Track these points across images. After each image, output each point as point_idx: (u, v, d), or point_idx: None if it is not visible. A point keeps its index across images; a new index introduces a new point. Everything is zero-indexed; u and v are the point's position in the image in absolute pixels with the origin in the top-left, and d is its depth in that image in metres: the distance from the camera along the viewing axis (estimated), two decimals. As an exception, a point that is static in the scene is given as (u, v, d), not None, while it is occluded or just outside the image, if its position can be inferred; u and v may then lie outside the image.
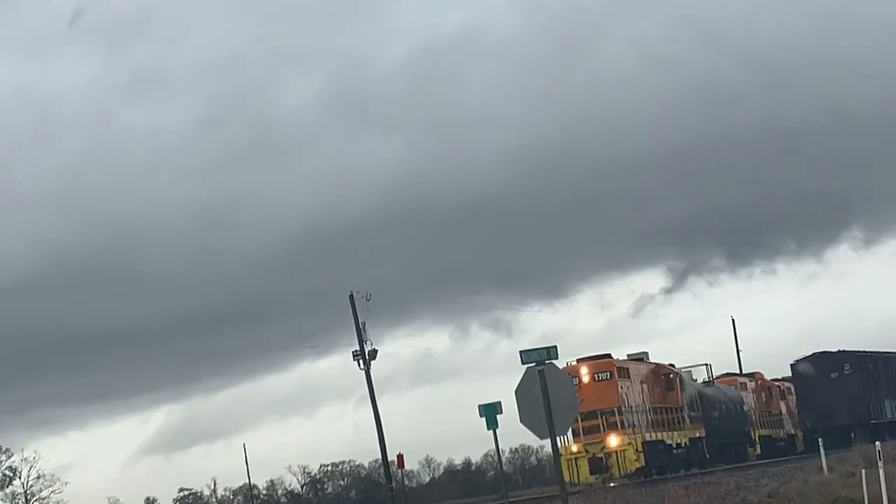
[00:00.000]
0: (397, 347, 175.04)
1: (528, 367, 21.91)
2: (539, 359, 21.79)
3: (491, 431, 35.98)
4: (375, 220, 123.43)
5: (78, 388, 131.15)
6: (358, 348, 68.89)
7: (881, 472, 32.79)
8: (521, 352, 22.21)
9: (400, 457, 69.46)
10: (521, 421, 21.98)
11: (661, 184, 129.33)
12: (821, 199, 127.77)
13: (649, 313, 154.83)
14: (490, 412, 43.48)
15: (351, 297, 69.23)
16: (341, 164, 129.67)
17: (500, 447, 43.91)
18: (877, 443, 35.69)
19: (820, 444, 49.32)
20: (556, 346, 22.40)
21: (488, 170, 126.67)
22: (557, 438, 56.01)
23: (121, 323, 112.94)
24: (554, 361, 22.13)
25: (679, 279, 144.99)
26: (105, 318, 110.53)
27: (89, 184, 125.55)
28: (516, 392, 22.05)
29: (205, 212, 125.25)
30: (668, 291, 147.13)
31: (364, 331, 68.82)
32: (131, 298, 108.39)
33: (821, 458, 47.13)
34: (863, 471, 35.23)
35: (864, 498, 33.43)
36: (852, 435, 65.59)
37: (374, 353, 68.72)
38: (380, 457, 72.00)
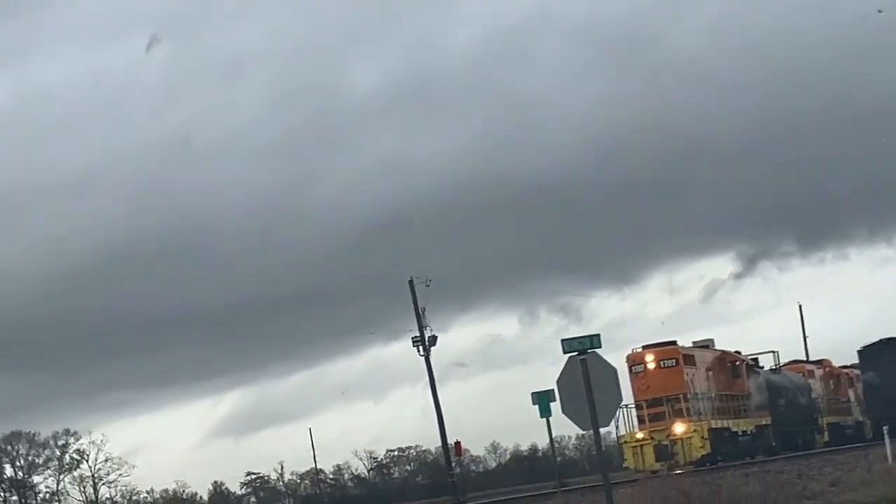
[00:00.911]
0: (466, 333, 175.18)
1: (570, 357, 20.94)
2: (581, 347, 20.79)
3: (545, 419, 35.50)
4: (445, 204, 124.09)
5: (150, 372, 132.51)
6: (418, 334, 69.03)
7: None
8: (562, 340, 21.32)
9: (457, 444, 69.58)
10: (562, 411, 21.14)
11: (733, 169, 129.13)
12: (893, 183, 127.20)
13: (718, 299, 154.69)
14: (543, 400, 42.71)
15: (411, 282, 69.30)
16: (411, 148, 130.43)
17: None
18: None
19: (885, 432, 49.22)
20: (598, 335, 21.34)
21: (559, 154, 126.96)
22: (611, 427, 55.48)
23: (192, 307, 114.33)
24: (597, 350, 20.96)
25: (749, 264, 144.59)
26: (176, 301, 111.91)
27: (162, 167, 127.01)
28: (558, 382, 21.18)
29: (275, 196, 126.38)
30: (738, 277, 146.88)
31: (424, 316, 69.00)
32: (203, 282, 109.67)
33: (886, 447, 47.00)
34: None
35: (929, 486, 33.53)
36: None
37: (433, 339, 68.75)
38: (459, 440, 72.18)
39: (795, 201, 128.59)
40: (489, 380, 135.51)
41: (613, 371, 20.41)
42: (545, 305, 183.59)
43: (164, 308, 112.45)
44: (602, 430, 21.62)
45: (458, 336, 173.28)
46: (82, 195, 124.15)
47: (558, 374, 20.69)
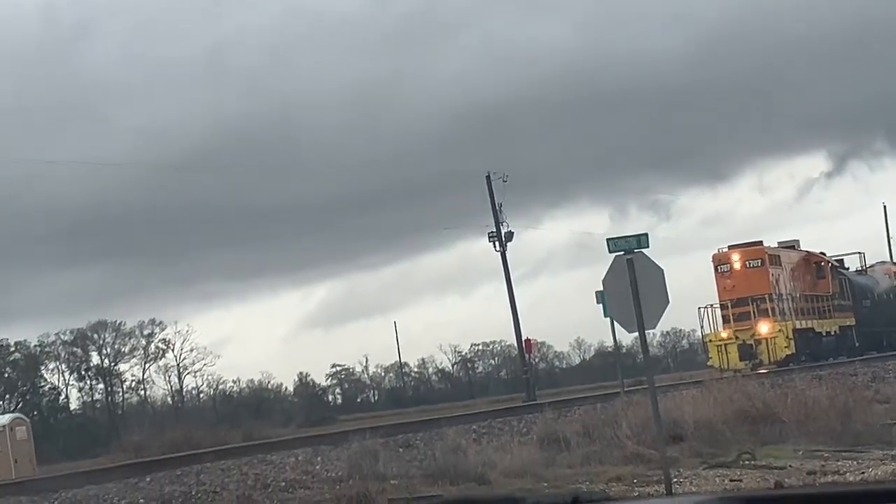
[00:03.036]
0: (556, 228, 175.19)
1: (616, 256, 20.40)
2: (628, 247, 20.31)
3: (608, 319, 35.52)
4: (538, 101, 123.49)
5: (240, 264, 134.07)
6: (494, 230, 69.06)
7: None
8: (608, 240, 20.89)
9: (528, 341, 69.98)
10: (608, 313, 20.74)
11: (825, 68, 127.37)
12: None
13: (809, 198, 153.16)
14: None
15: (488, 178, 69.11)
16: (507, 44, 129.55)
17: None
18: None
19: None
20: (646, 234, 20.84)
21: (653, 51, 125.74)
22: (704, 325, 55.43)
23: (283, 200, 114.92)
24: (644, 250, 20.39)
25: (840, 163, 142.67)
26: (269, 194, 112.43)
27: (255, 61, 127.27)
28: (604, 282, 20.74)
29: (368, 90, 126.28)
30: (829, 175, 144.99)
31: (501, 212, 68.98)
32: (295, 175, 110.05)
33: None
34: None
35: None
36: None
37: (510, 235, 68.79)
38: (532, 337, 72.58)
39: (889, 99, 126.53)
40: (578, 276, 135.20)
41: (661, 272, 20.00)
42: (636, 202, 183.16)
43: (256, 201, 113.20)
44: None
45: (547, 232, 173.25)
46: (181, 88, 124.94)
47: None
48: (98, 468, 32.84)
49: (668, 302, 19.79)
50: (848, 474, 25.36)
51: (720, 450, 28.06)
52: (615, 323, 27.43)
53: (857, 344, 67.25)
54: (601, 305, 36.25)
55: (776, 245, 65.57)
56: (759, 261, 61.48)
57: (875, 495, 3.59)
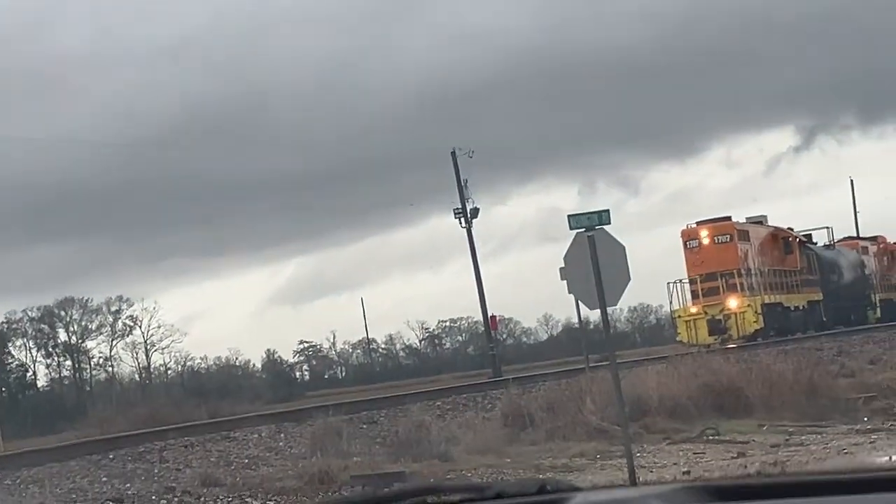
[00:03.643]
0: (525, 204, 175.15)
1: (577, 233, 20.10)
2: (589, 224, 20.01)
3: (573, 296, 35.35)
4: (508, 77, 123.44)
5: (209, 241, 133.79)
6: (460, 206, 68.88)
7: None
8: (569, 216, 20.54)
9: (493, 318, 70.14)
10: (569, 291, 20.51)
11: (794, 43, 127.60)
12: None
13: (777, 173, 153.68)
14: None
15: (453, 153, 68.89)
16: (476, 20, 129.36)
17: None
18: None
19: None
20: (608, 211, 20.58)
21: (622, 27, 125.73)
22: (673, 300, 55.35)
23: (254, 176, 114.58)
24: (606, 227, 20.15)
25: (808, 137, 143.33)
26: (238, 171, 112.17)
27: (224, 39, 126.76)
28: (565, 259, 20.55)
29: (337, 67, 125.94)
30: (797, 150, 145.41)
31: (466, 188, 68.77)
32: (265, 152, 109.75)
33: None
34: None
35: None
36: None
37: (475, 212, 68.67)
38: (499, 313, 72.61)
39: (857, 74, 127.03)
40: (546, 252, 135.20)
41: (622, 249, 19.77)
42: (604, 178, 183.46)
43: (224, 178, 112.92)
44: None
45: (516, 208, 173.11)
46: (150, 65, 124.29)
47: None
48: (62, 445, 32.60)
49: (629, 279, 19.65)
50: (812, 446, 25.41)
51: (685, 425, 28.09)
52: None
53: (824, 319, 67.50)
54: (566, 282, 36.14)
55: (744, 220, 65.70)
56: (728, 236, 61.67)
57: (839, 484, 3.48)
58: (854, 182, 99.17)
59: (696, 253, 61.17)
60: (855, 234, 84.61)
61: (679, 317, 61.62)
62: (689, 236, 61.98)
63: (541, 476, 20.01)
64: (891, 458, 22.95)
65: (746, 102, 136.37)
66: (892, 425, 28.70)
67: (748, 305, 60.57)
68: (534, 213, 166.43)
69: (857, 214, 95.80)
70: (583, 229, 20.07)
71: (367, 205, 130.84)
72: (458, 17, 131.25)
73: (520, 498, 3.83)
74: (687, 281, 61.44)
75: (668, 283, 61.72)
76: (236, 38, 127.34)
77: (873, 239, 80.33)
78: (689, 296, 61.61)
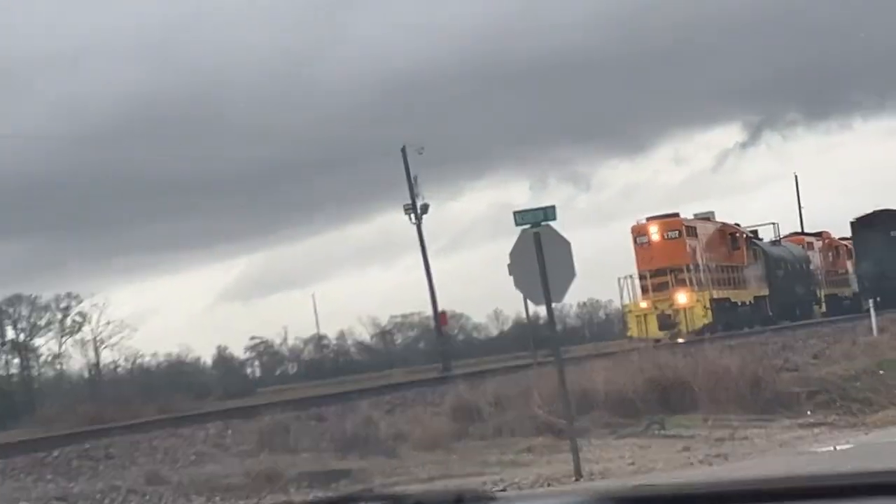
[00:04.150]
0: (477, 199, 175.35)
1: (522, 230, 20.32)
2: (535, 220, 20.20)
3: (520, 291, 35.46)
4: (462, 73, 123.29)
5: (160, 237, 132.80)
6: (410, 202, 68.92)
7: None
8: (514, 213, 20.77)
9: (443, 314, 70.51)
10: (516, 286, 20.68)
11: (741, 39, 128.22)
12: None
13: (725, 168, 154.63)
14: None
15: (403, 150, 68.82)
16: (427, 14, 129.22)
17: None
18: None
19: (871, 304, 49.29)
20: (553, 207, 20.75)
21: (571, 22, 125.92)
22: (623, 295, 55.54)
23: (206, 172, 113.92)
24: (551, 223, 20.26)
25: (754, 133, 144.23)
26: (191, 166, 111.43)
27: (173, 32, 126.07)
28: (510, 255, 20.72)
29: (289, 61, 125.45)
30: (743, 146, 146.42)
31: (416, 184, 68.90)
32: (217, 148, 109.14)
33: (871, 320, 46.85)
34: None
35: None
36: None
37: (425, 208, 68.81)
38: (450, 309, 72.85)
39: (803, 70, 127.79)
40: (497, 247, 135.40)
41: (567, 245, 19.88)
42: (556, 174, 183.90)
43: (177, 174, 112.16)
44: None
45: (469, 204, 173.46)
46: (96, 58, 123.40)
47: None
48: (7, 443, 32.47)
49: (574, 275, 19.76)
50: (756, 440, 25.62)
51: (631, 419, 28.25)
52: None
53: (770, 313, 68.04)
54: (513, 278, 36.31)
55: (692, 217, 66.22)
56: (677, 232, 62.22)
57: (775, 494, 3.56)
58: (799, 178, 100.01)
59: (646, 249, 61.65)
60: (800, 230, 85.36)
61: (629, 312, 62.06)
62: (638, 232, 62.43)
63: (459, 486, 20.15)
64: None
65: (694, 99, 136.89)
66: (834, 419, 29.02)
67: (697, 300, 61.08)
68: (486, 208, 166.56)
69: (802, 210, 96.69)
70: (528, 225, 20.14)
71: (320, 200, 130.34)
72: (412, 10, 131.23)
73: None
74: (637, 276, 61.86)
75: (619, 279, 62.21)
76: (186, 31, 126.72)
77: (818, 235, 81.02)
78: (639, 291, 62.05)
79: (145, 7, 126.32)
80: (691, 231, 63.38)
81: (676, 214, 64.21)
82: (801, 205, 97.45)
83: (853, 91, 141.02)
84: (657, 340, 55.22)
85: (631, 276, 61.96)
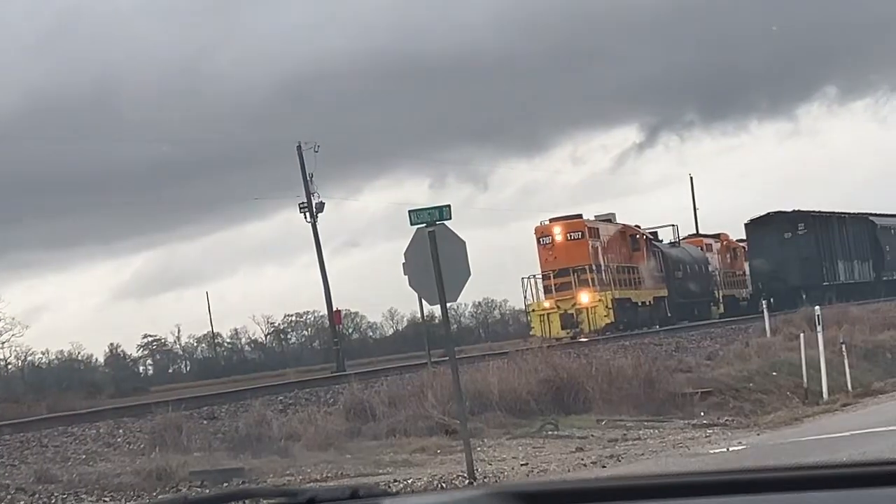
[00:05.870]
0: (376, 198, 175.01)
1: (417, 229, 20.21)
2: (430, 219, 20.12)
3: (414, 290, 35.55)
4: (360, 71, 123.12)
5: (58, 232, 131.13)
6: (305, 201, 68.57)
7: (819, 336, 33.07)
8: (409, 211, 20.68)
9: (337, 312, 70.53)
10: (409, 285, 20.63)
11: (639, 41, 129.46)
12: (797, 57, 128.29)
13: (624, 169, 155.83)
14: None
15: (298, 147, 68.36)
16: (327, 13, 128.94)
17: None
18: (816, 307, 35.70)
19: (764, 305, 49.84)
20: (448, 206, 20.63)
21: (469, 23, 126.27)
22: (527, 295, 55.56)
23: (103, 168, 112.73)
24: (446, 222, 20.17)
25: (651, 134, 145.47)
26: (87, 163, 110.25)
27: (69, 26, 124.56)
28: (405, 254, 20.60)
29: (188, 57, 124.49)
30: (641, 147, 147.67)
31: (312, 183, 68.64)
32: (114, 144, 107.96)
33: (764, 321, 47.41)
34: (801, 334, 35.53)
35: (801, 361, 33.91)
36: (803, 296, 65.75)
37: (321, 206, 68.60)
38: (345, 308, 72.72)
39: (699, 72, 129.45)
40: (394, 247, 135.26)
41: (463, 244, 19.81)
42: (455, 173, 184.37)
43: (73, 170, 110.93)
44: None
45: (367, 203, 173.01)
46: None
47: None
48: None
49: (469, 274, 19.69)
50: (649, 440, 25.76)
51: (525, 420, 28.29)
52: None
53: (669, 314, 68.62)
54: (407, 277, 36.23)
55: (594, 218, 66.74)
56: (580, 233, 62.71)
57: (664, 488, 3.52)
58: (695, 179, 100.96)
59: (549, 249, 62.18)
60: (695, 231, 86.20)
61: (533, 311, 62.47)
62: (542, 233, 62.91)
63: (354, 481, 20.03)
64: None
65: (593, 100, 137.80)
66: (727, 420, 29.27)
67: (599, 300, 61.59)
68: (384, 207, 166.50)
69: (697, 211, 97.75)
70: (424, 224, 20.04)
71: (217, 197, 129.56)
72: (313, 8, 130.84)
73: (332, 503, 3.83)
74: (540, 276, 62.30)
75: (523, 279, 62.56)
76: (80, 28, 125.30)
77: (716, 236, 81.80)
78: (542, 291, 62.42)
79: (41, 3, 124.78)
80: (594, 232, 63.94)
81: (580, 216, 64.71)
82: (697, 206, 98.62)
83: (749, 93, 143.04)
84: (559, 339, 55.60)
85: (535, 276, 62.35)
